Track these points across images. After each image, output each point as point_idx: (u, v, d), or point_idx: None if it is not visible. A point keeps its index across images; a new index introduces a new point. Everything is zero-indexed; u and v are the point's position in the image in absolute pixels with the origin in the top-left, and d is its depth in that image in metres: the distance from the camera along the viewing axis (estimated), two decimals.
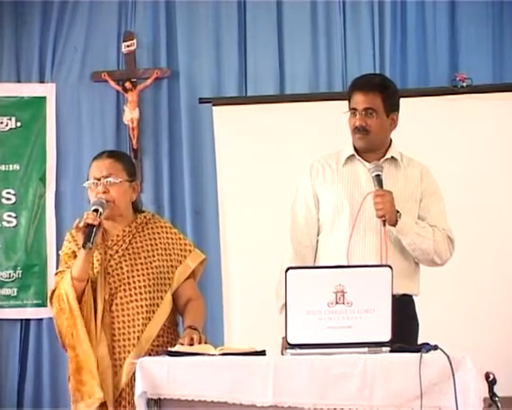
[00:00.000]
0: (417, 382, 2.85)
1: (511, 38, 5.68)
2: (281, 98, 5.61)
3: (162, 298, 3.64)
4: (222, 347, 3.18)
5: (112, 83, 5.87)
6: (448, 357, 2.87)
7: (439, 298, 5.19)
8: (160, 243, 3.71)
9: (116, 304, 3.59)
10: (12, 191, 5.87)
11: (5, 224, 5.85)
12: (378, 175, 3.64)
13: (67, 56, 5.93)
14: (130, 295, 3.60)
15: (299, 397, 2.92)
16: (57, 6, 5.91)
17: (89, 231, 3.49)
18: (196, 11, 5.87)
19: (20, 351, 5.81)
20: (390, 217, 3.58)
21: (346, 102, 3.84)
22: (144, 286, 3.62)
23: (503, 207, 5.30)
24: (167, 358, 3.07)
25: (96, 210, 3.55)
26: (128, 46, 5.87)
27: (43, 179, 5.87)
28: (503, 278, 5.25)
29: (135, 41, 5.86)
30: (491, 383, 2.96)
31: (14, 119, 5.89)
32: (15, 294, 5.82)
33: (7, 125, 5.88)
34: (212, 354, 3.06)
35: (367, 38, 5.77)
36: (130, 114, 5.80)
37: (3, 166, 5.87)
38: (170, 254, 3.71)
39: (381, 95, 3.74)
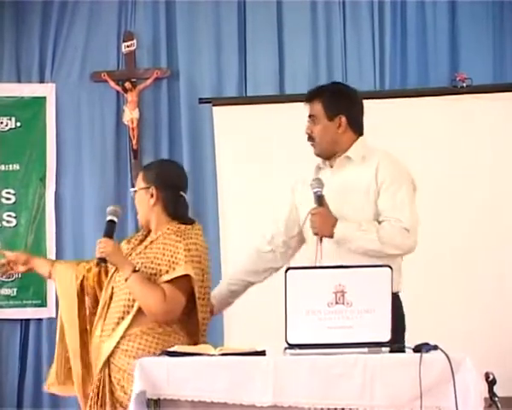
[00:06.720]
0: (417, 382, 2.85)
1: (511, 37, 5.68)
2: (281, 98, 5.60)
3: None
4: (222, 347, 3.18)
5: (112, 83, 5.87)
6: (448, 357, 2.87)
7: (439, 298, 5.19)
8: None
9: None
10: (12, 191, 5.87)
11: (5, 224, 5.85)
12: (316, 192, 3.62)
13: (67, 56, 5.93)
14: None
15: (299, 397, 2.92)
16: (57, 6, 5.92)
17: None
18: (196, 11, 5.88)
19: (19, 351, 5.81)
20: (322, 233, 3.58)
21: None
22: None
23: (502, 206, 5.29)
24: (167, 358, 3.07)
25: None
26: (128, 46, 5.87)
27: (42, 179, 5.87)
28: (502, 279, 5.24)
29: (135, 41, 5.87)
30: (491, 383, 2.95)
31: (14, 119, 5.89)
32: (15, 294, 5.82)
33: (7, 125, 5.88)
34: (212, 355, 3.06)
35: (367, 38, 5.77)
36: (130, 115, 5.80)
37: (3, 166, 5.87)
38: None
39: (320, 101, 3.73)
